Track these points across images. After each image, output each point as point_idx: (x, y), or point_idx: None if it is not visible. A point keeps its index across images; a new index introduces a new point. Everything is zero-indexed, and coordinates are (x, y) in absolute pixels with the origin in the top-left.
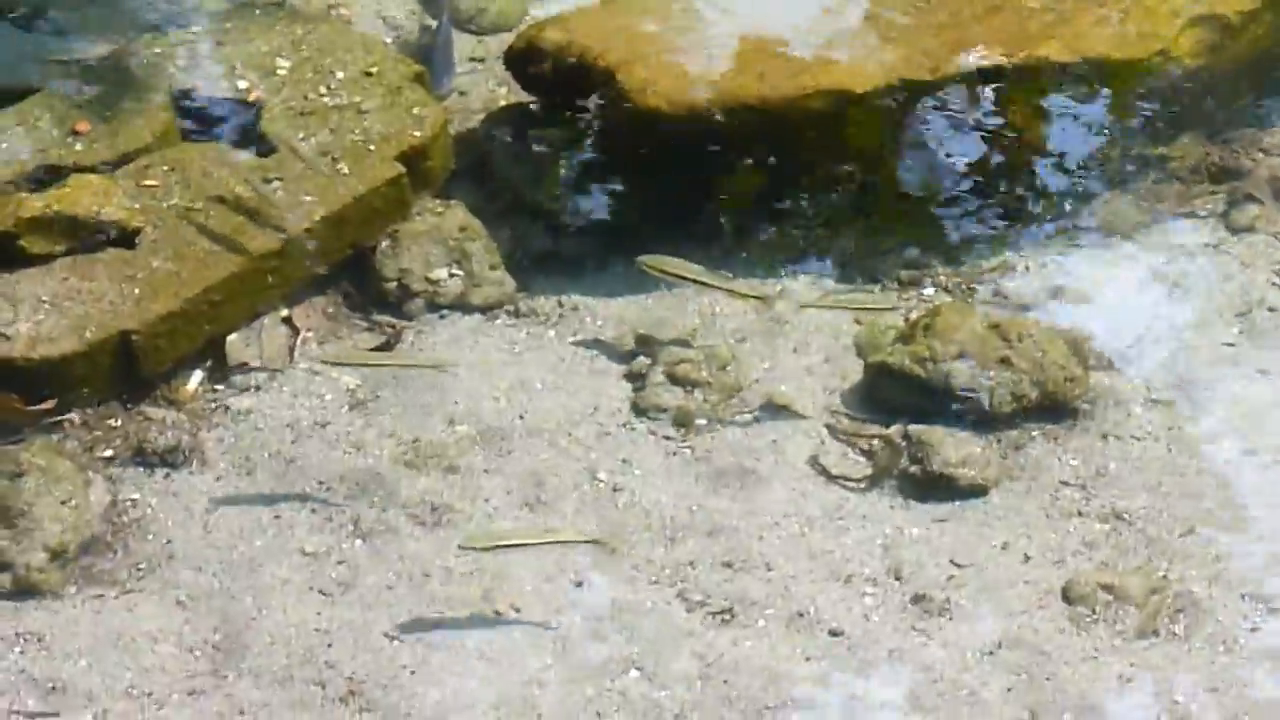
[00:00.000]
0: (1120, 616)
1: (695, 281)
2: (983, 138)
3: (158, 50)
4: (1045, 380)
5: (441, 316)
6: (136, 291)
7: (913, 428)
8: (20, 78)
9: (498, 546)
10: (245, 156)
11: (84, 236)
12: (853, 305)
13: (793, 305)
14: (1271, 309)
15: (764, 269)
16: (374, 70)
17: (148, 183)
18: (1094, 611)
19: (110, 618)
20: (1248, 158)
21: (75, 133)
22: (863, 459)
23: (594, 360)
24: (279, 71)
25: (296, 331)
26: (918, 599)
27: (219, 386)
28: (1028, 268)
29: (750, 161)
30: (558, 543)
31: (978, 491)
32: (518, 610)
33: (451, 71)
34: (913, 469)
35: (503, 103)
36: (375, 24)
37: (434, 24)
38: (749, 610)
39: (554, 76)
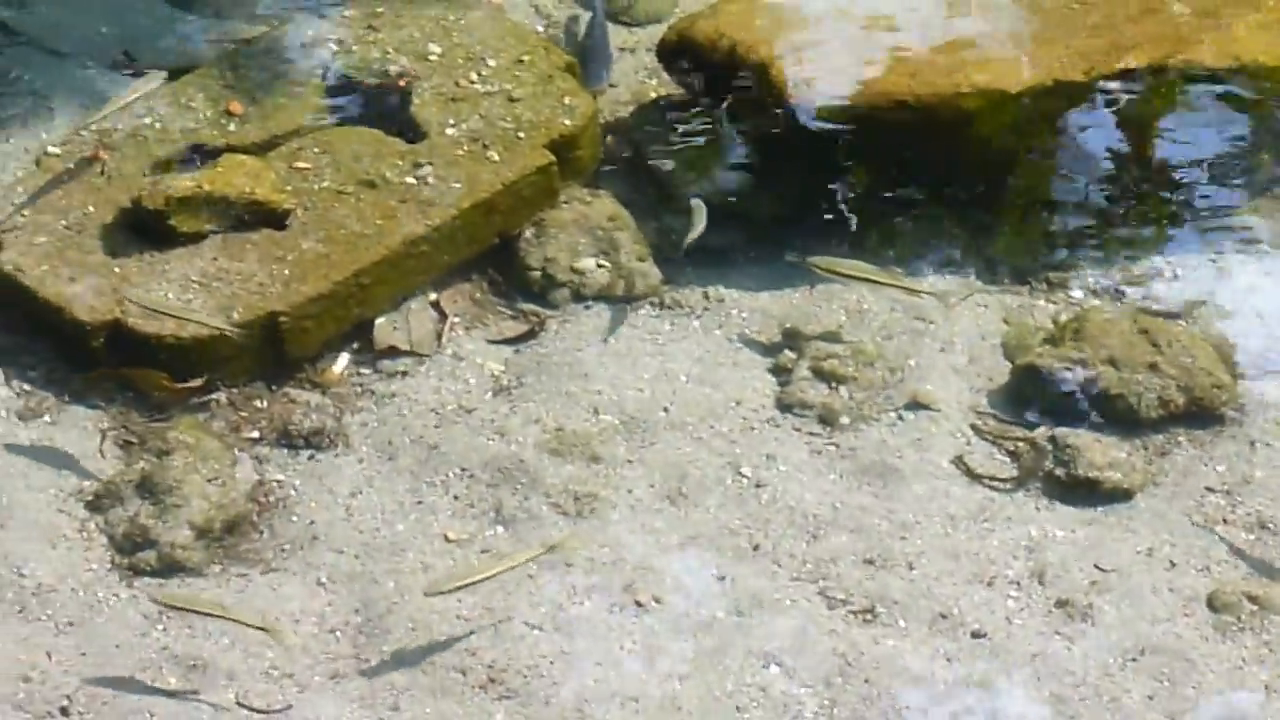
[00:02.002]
0: (1266, 626)
1: (869, 280)
2: (1133, 141)
3: (310, 33)
4: (1193, 386)
5: (586, 306)
6: (285, 273)
7: (1058, 430)
8: (175, 57)
9: (461, 587)
10: (396, 141)
11: (234, 217)
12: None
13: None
14: None
15: (911, 267)
16: (525, 58)
17: (299, 165)
18: (1239, 620)
19: (253, 597)
20: None
21: (228, 113)
22: (1008, 460)
23: (739, 353)
24: (430, 57)
25: (444, 317)
26: (1061, 603)
27: (365, 370)
28: (1176, 273)
29: (900, 158)
30: (517, 565)
31: (1123, 496)
32: (659, 602)
33: (608, 67)
34: (1058, 471)
35: (653, 94)
36: (527, 12)
37: (587, 18)
38: (891, 609)
39: (705, 69)
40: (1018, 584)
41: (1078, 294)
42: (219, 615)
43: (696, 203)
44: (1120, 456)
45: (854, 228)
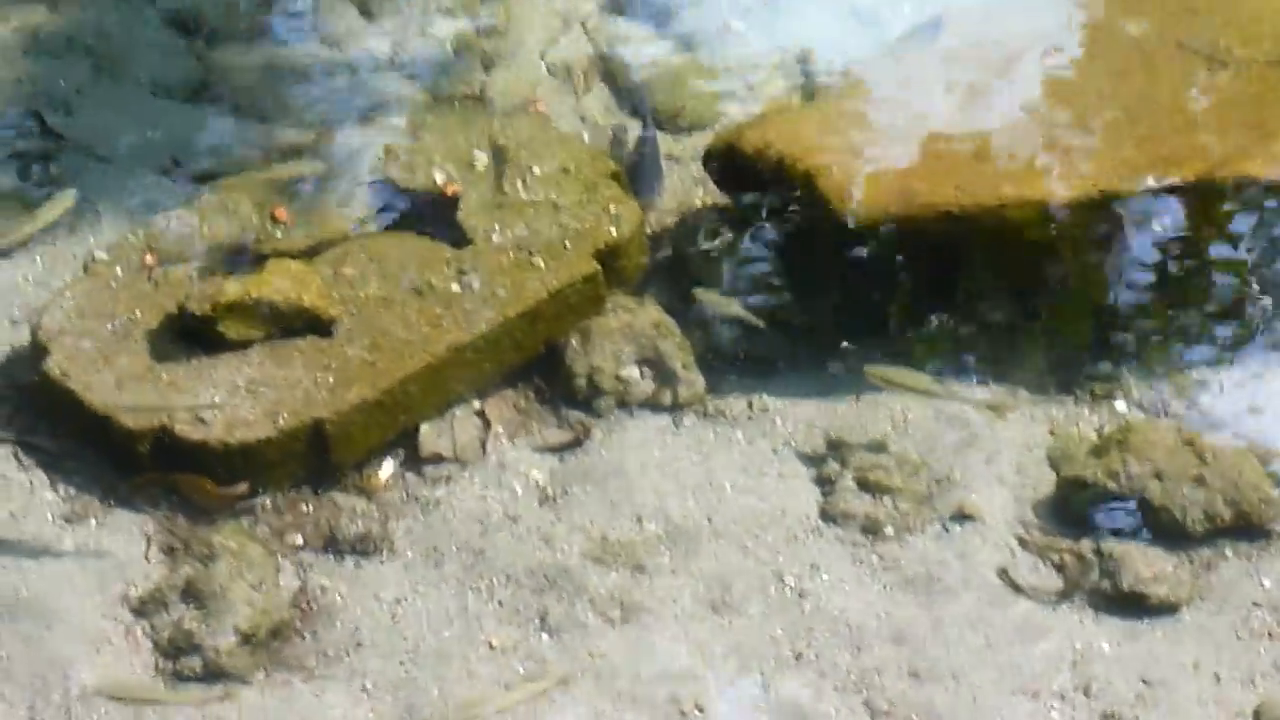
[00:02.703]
0: None
1: (923, 391)
2: (1179, 252)
3: (358, 140)
4: (1239, 500)
5: (631, 414)
6: (331, 379)
7: (1104, 543)
8: (223, 162)
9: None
10: (442, 248)
11: (281, 323)
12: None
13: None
14: None
15: (956, 377)
16: (571, 167)
17: (345, 271)
18: None
19: (297, 704)
20: None
21: (275, 219)
22: (1053, 572)
23: (783, 463)
24: (477, 165)
25: (489, 424)
26: (1107, 716)
27: (410, 476)
28: (1222, 385)
29: (945, 268)
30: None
31: (1169, 609)
32: (702, 711)
33: (660, 182)
34: (1103, 584)
35: (698, 202)
36: (573, 120)
37: (637, 131)
38: None
39: (751, 178)
40: (1062, 697)
41: (1123, 406)
42: None
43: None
44: (1166, 570)
45: (899, 337)
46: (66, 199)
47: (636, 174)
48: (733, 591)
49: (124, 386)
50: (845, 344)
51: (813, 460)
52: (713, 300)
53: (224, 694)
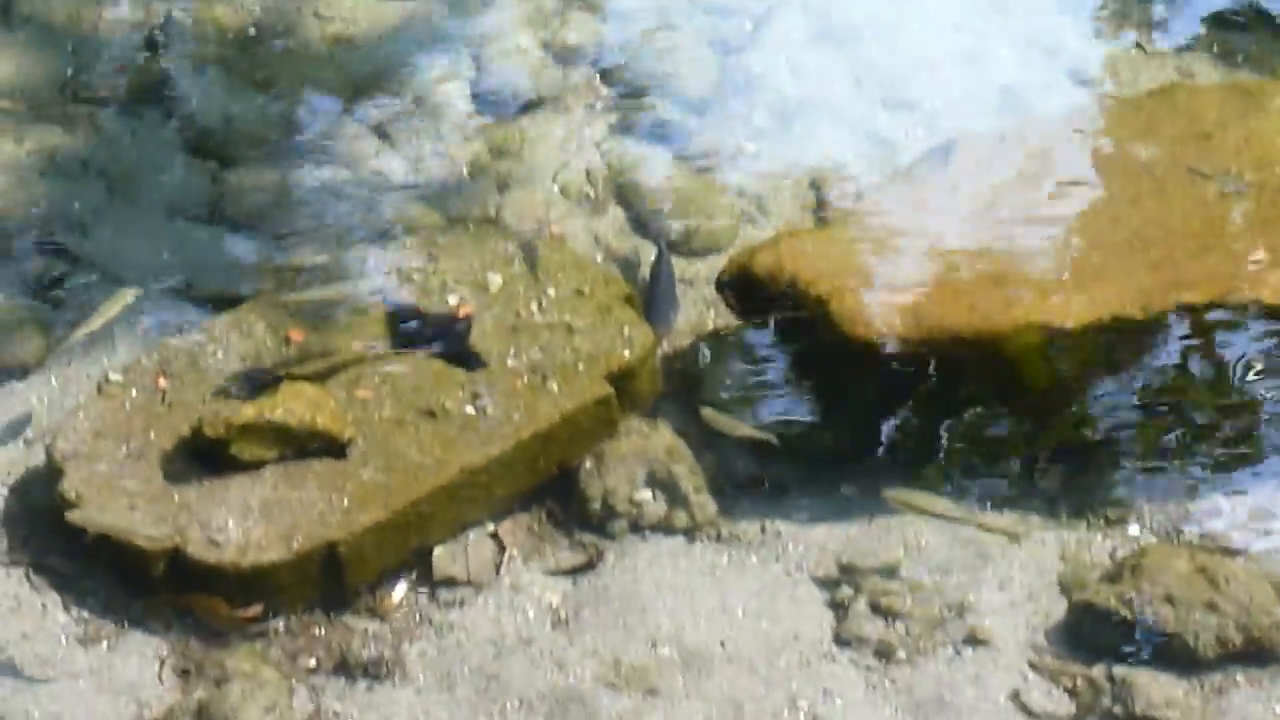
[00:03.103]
0: None
1: (944, 516)
2: (1191, 376)
3: (371, 261)
4: (1251, 625)
5: (644, 538)
6: (345, 502)
7: (1116, 668)
8: (237, 284)
9: None
10: (456, 371)
11: (295, 445)
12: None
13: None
14: None
15: (969, 501)
16: (585, 289)
17: (359, 393)
18: None
19: None
20: None
21: (289, 340)
22: (1065, 697)
23: (796, 587)
24: (491, 287)
25: (503, 547)
26: None
27: (423, 599)
28: (1234, 509)
29: (958, 392)
30: None
31: None
32: None
33: (675, 312)
34: (1116, 709)
35: (711, 325)
36: (587, 242)
37: (652, 258)
38: None
39: (764, 301)
40: None
41: (1135, 530)
42: None
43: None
44: (1178, 695)
45: (912, 461)
46: (126, 295)
47: (651, 302)
48: (746, 716)
49: (138, 508)
50: (858, 467)
51: (826, 584)
52: (720, 421)
53: None
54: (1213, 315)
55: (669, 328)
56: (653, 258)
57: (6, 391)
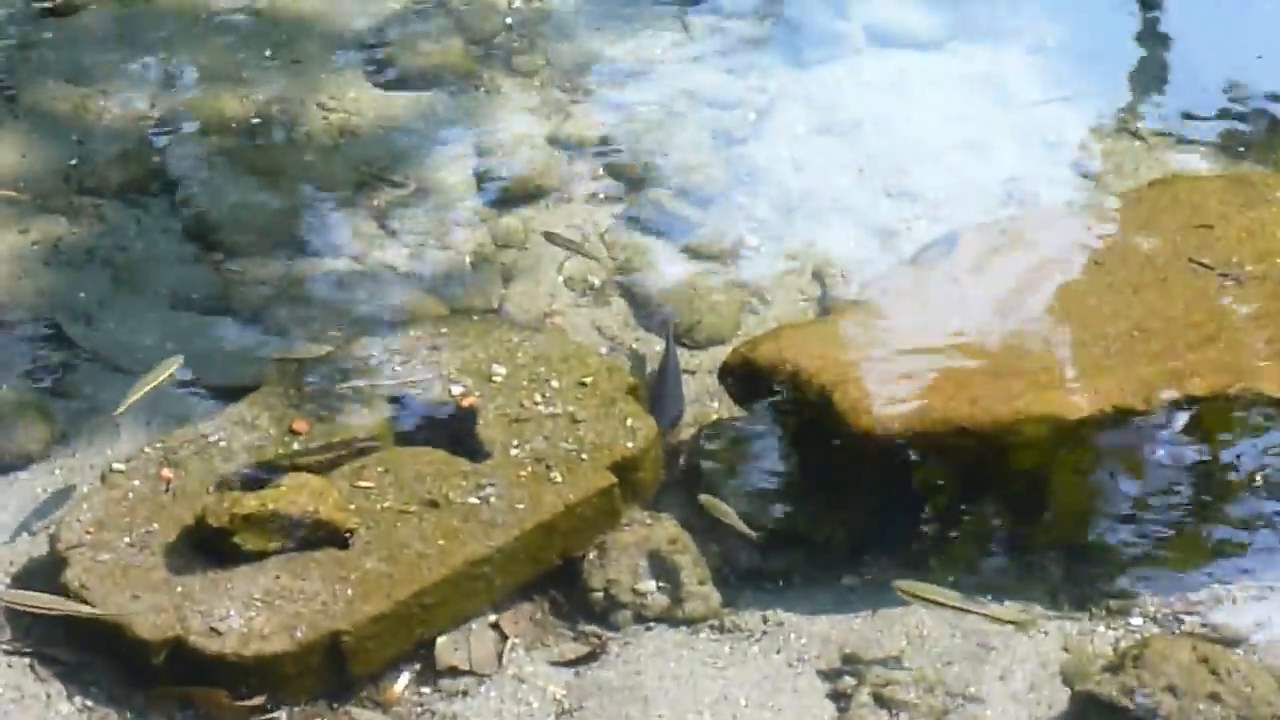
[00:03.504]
0: None
1: (952, 607)
2: (1193, 467)
3: (374, 352)
4: (1252, 717)
5: (648, 628)
6: (349, 592)
7: None
8: (241, 375)
9: None
10: (459, 461)
11: (298, 536)
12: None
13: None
14: None
15: (970, 592)
16: (588, 380)
17: (363, 484)
18: None
19: None
20: None
21: (293, 431)
22: None
23: (798, 678)
24: (494, 378)
25: (505, 637)
26: None
27: (426, 689)
28: (1236, 600)
29: (960, 483)
30: None
31: None
32: None
33: (682, 406)
34: None
35: (714, 416)
36: (590, 334)
37: (659, 356)
38: None
39: (767, 392)
40: None
41: (1138, 621)
42: None
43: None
44: None
45: (914, 552)
46: (174, 362)
47: (658, 397)
48: None
49: (141, 599)
50: (860, 558)
51: (828, 675)
52: (716, 507)
53: None
54: (1214, 406)
55: (675, 423)
56: (660, 351)
57: (10, 481)
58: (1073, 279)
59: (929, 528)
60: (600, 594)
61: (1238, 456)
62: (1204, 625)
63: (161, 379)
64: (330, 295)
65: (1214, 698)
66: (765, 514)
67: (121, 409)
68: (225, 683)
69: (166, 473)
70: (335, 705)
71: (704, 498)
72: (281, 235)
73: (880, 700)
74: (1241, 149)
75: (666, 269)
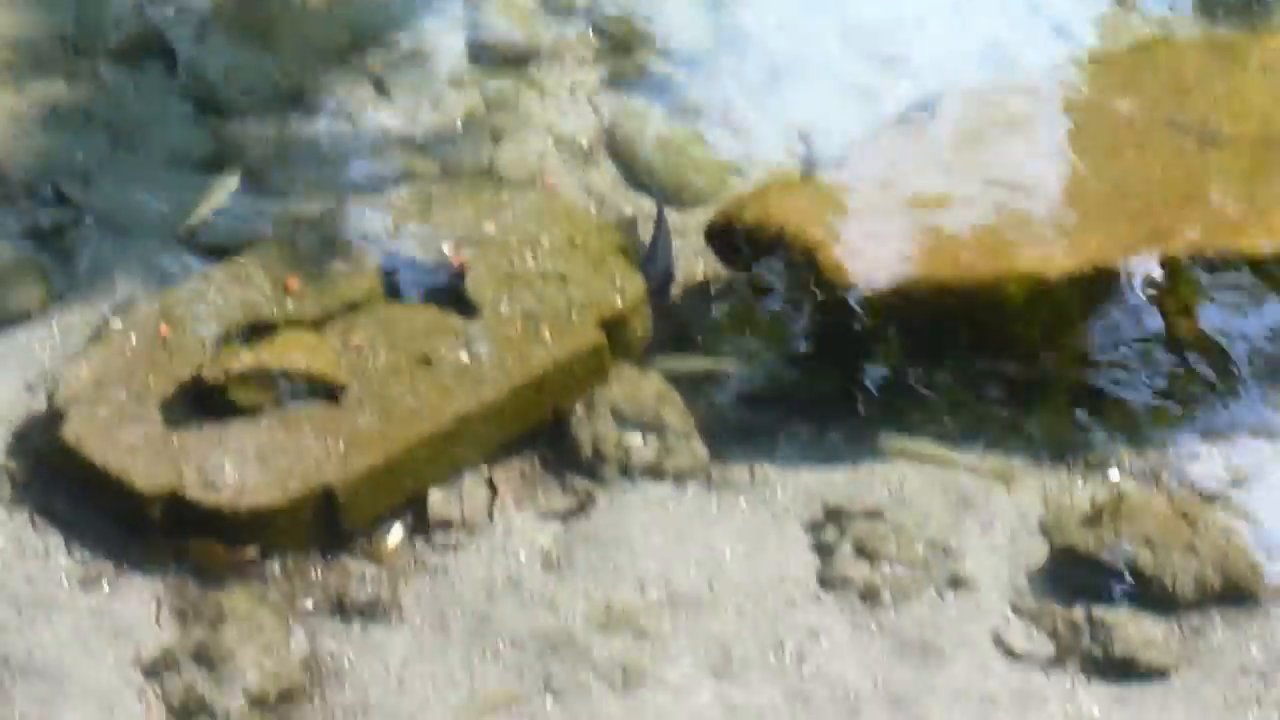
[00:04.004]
0: None
1: (939, 460)
2: (1170, 325)
3: (367, 212)
4: (1228, 568)
5: (635, 482)
6: (341, 447)
7: (1096, 610)
8: (236, 235)
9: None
10: (450, 319)
11: (291, 391)
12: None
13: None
14: None
15: (952, 446)
16: (578, 239)
17: (355, 340)
18: None
19: None
20: None
21: (286, 289)
22: (1046, 638)
23: (783, 530)
24: (485, 238)
25: (496, 491)
26: None
27: (418, 542)
28: (1213, 455)
29: (942, 340)
30: None
31: (1158, 675)
32: None
33: (669, 268)
34: (1095, 650)
35: (700, 275)
36: (580, 194)
37: (649, 211)
38: None
39: (752, 251)
40: None
41: (1115, 475)
42: None
43: None
44: (1156, 636)
45: (897, 407)
46: (231, 182)
47: (649, 262)
48: (733, 657)
49: (138, 453)
50: (844, 413)
51: (812, 527)
52: (674, 364)
53: None
54: (1191, 265)
55: (664, 282)
56: (649, 211)
57: (8, 338)
58: (1053, 141)
59: (911, 384)
60: (588, 449)
61: (1215, 314)
62: (1181, 480)
63: (223, 195)
64: (325, 156)
65: (1190, 549)
66: (751, 371)
67: (186, 225)
68: (220, 535)
69: (163, 329)
70: (328, 557)
71: (661, 363)
72: (276, 97)
73: (862, 552)
74: (1220, 13)
75: (654, 131)
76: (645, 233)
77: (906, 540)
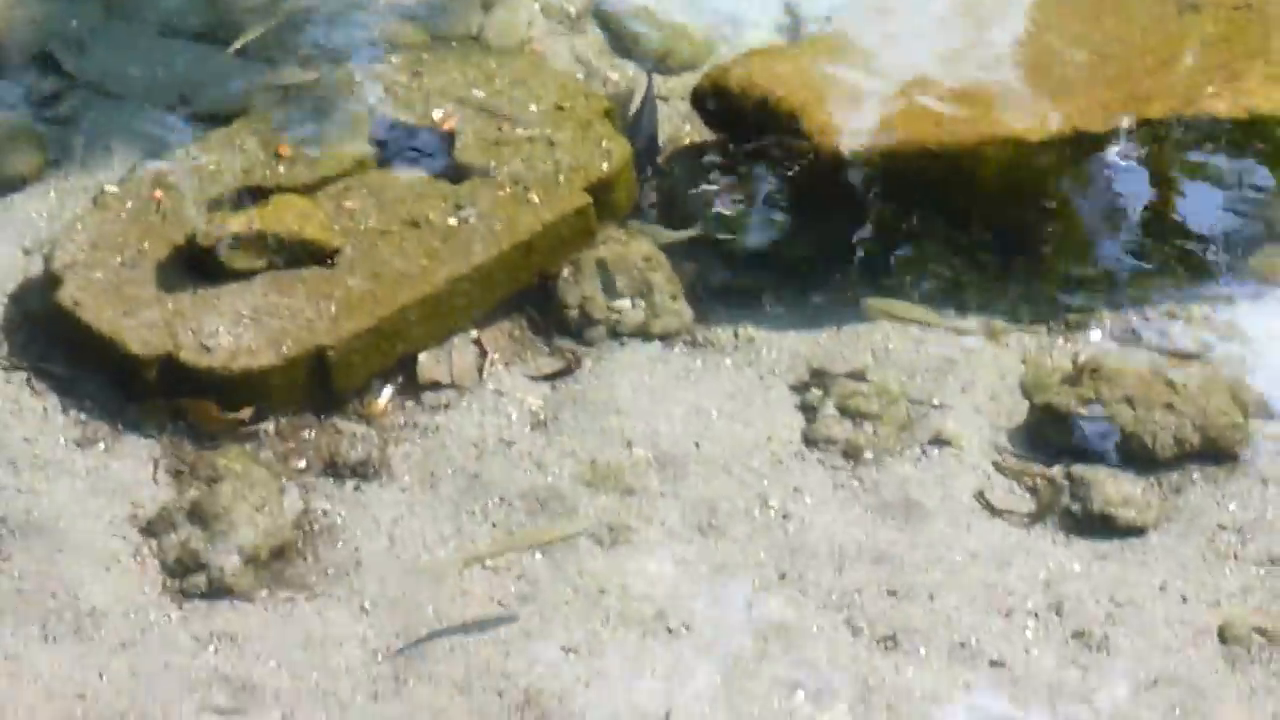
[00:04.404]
0: (1274, 658)
1: (921, 322)
2: (1148, 188)
3: (358, 79)
4: (1207, 426)
5: (622, 344)
6: (333, 309)
7: (1076, 467)
8: (229, 102)
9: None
10: (440, 184)
11: (284, 255)
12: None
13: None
14: None
15: (936, 307)
16: (565, 104)
17: (346, 205)
18: (1248, 652)
19: (299, 621)
20: None
21: (278, 155)
22: (1027, 496)
23: (768, 391)
24: (474, 103)
25: (485, 353)
26: (1077, 634)
27: (409, 403)
28: (1192, 316)
29: (924, 203)
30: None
31: (1137, 531)
32: (689, 628)
33: (655, 132)
34: (1074, 507)
35: (687, 140)
36: (568, 60)
37: (632, 77)
38: (912, 638)
39: (738, 116)
40: (1035, 615)
41: (1096, 336)
42: None
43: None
44: (1135, 493)
45: (880, 270)
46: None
47: (634, 125)
48: (718, 514)
49: (133, 316)
50: (828, 276)
51: (796, 388)
52: (651, 232)
53: None
54: (1171, 128)
55: (652, 152)
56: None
57: (5, 204)
58: (1035, 6)
59: (895, 248)
60: (576, 311)
61: (1193, 177)
62: (1160, 339)
63: (271, 24)
64: (317, 24)
65: (1169, 408)
66: (737, 234)
67: (235, 47)
68: (214, 396)
69: (158, 194)
70: (321, 417)
71: (634, 225)
72: None
73: (846, 411)
74: None
75: None
76: (634, 102)
77: (889, 400)
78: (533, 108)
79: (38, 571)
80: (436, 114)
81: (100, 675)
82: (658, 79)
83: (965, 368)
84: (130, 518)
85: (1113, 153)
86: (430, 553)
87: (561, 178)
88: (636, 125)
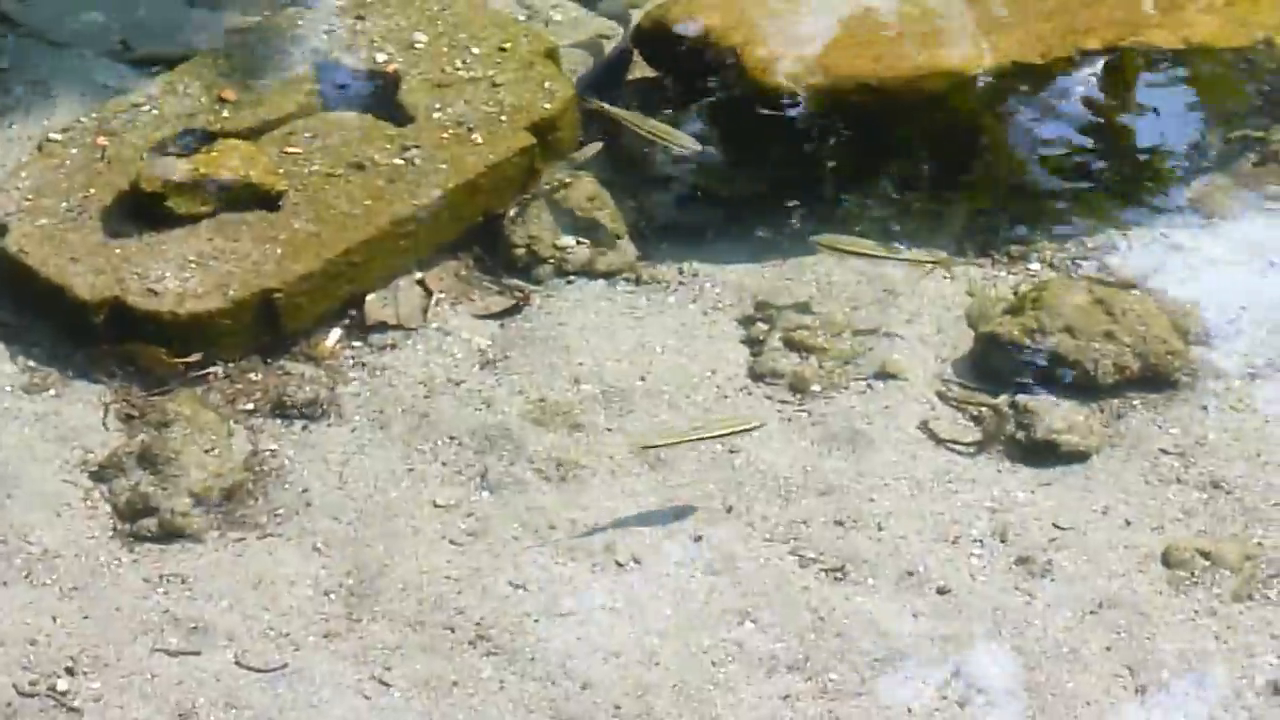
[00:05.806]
0: (1217, 580)
1: (871, 255)
2: (1088, 120)
3: (301, 23)
4: (1147, 353)
5: (569, 282)
6: (279, 252)
7: (1019, 396)
8: (172, 46)
9: (671, 444)
10: (384, 126)
11: (229, 199)
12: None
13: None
14: None
15: (878, 241)
16: (507, 46)
17: (291, 149)
18: (1192, 575)
19: (250, 562)
20: None
21: (222, 100)
22: (971, 425)
23: (713, 325)
24: (417, 45)
25: (430, 293)
26: (1022, 560)
27: (356, 343)
28: (1131, 246)
29: (866, 138)
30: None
31: (1080, 457)
32: (638, 562)
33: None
34: (1018, 435)
35: (630, 78)
36: (508, 2)
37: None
38: (860, 567)
39: (679, 54)
40: (981, 542)
41: (1036, 266)
42: None
43: None
44: (1078, 420)
45: (823, 205)
46: None
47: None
48: (666, 448)
49: (80, 262)
50: (772, 211)
51: (741, 322)
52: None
53: None
54: (1108, 60)
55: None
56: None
57: None
58: None
59: (837, 182)
60: (522, 250)
61: (1131, 109)
62: (1100, 269)
63: None
64: None
65: (1109, 336)
66: (679, 171)
67: None
68: (163, 341)
69: (102, 140)
70: (269, 360)
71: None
72: None
73: (791, 344)
74: None
75: None
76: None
77: (834, 332)
78: (474, 50)
79: None
80: (380, 57)
81: (53, 619)
82: (600, 21)
83: (910, 299)
84: (81, 463)
85: (1053, 85)
86: (382, 493)
87: (504, 118)
88: (594, 78)
